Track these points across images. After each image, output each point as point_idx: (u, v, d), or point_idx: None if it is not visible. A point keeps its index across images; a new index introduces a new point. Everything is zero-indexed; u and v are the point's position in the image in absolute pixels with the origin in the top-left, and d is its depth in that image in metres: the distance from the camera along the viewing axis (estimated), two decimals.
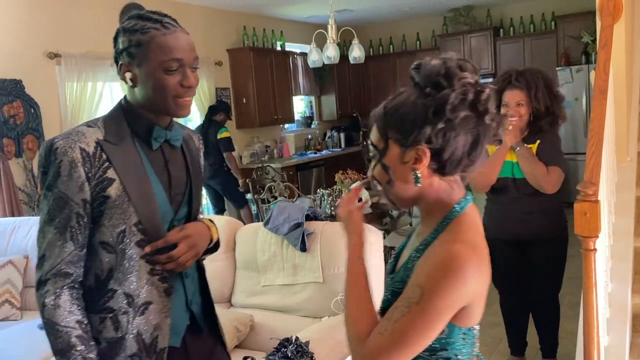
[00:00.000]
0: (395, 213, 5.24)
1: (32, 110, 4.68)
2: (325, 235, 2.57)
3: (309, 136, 8.17)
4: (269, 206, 4.32)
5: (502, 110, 2.75)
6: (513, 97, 2.68)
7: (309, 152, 7.85)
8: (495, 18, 8.01)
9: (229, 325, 2.42)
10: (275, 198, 4.12)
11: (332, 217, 4.30)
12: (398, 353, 0.95)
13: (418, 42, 8.59)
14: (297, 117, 8.10)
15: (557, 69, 6.91)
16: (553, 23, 7.50)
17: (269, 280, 2.70)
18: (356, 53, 4.63)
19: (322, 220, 2.68)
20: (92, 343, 1.27)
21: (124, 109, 1.36)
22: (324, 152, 7.94)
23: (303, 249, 2.55)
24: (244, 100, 6.70)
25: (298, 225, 2.58)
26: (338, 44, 4.83)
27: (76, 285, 1.27)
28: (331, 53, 4.44)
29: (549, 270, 2.84)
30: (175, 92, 1.30)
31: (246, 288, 2.77)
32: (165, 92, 1.29)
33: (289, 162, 7.00)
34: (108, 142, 1.29)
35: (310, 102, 8.61)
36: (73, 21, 5.01)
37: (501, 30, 7.95)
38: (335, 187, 4.36)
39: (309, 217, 2.65)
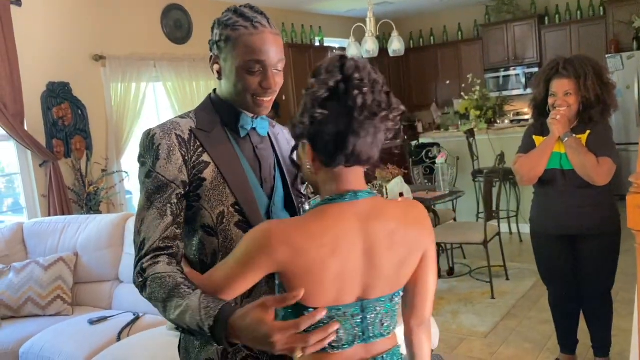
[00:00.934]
0: (440, 207, 5.17)
1: (80, 112, 4.82)
2: None
3: None
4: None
5: (550, 100, 2.65)
6: (561, 86, 2.58)
7: None
8: (540, 5, 7.76)
9: None
10: (315, 194, 4.11)
11: None
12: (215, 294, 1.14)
13: (460, 33, 8.42)
14: None
15: (606, 56, 6.64)
16: (601, 8, 7.21)
17: None
18: (396, 46, 4.55)
19: None
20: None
21: (212, 101, 1.41)
22: None
23: None
24: (284, 97, 6.72)
25: None
26: (377, 37, 4.77)
27: (174, 257, 1.25)
28: (370, 47, 4.38)
29: (601, 266, 2.73)
30: (254, 92, 1.33)
31: None
32: (244, 90, 1.32)
33: None
34: (200, 130, 1.34)
35: None
36: (117, 25, 5.13)
37: (546, 18, 7.69)
38: (375, 182, 4.32)
39: None
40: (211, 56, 1.36)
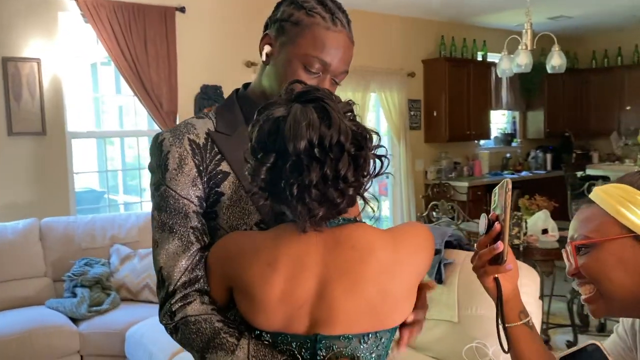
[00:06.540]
0: None
1: None
2: (465, 267, 2.20)
3: (508, 155, 7.47)
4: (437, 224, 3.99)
5: None
6: None
7: (505, 172, 7.17)
8: None
9: None
10: (445, 219, 3.77)
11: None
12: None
13: None
14: (495, 133, 7.48)
15: None
16: None
17: None
18: (555, 61, 4.00)
19: (466, 250, 2.31)
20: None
21: (239, 96, 1.22)
22: (523, 173, 7.17)
23: (439, 280, 2.22)
24: (435, 114, 6.40)
25: (436, 252, 2.25)
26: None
27: (204, 293, 1.09)
28: (522, 60, 3.90)
29: None
30: None
31: None
32: None
33: (479, 181, 6.47)
34: (219, 133, 1.14)
35: (514, 117, 7.88)
36: None
37: None
38: (514, 213, 3.82)
39: (451, 245, 2.30)
40: (266, 34, 1.15)
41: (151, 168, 1.14)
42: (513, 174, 7.10)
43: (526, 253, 3.68)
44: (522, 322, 1.05)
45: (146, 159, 4.98)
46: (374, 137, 1.00)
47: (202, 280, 1.08)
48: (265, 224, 1.11)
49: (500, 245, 0.98)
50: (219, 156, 1.12)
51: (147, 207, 5.03)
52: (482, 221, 1.02)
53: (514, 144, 7.71)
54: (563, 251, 1.06)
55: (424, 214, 4.00)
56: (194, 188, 1.09)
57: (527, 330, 1.06)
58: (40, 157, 4.14)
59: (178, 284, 1.06)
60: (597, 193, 1.02)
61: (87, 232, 3.79)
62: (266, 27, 1.17)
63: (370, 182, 1.04)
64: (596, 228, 1.00)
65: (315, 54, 1.09)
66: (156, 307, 3.45)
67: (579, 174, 5.86)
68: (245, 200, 1.11)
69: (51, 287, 3.64)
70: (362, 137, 0.96)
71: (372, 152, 0.99)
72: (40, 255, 3.66)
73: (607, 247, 0.98)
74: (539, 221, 3.89)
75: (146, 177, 5.15)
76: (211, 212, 1.11)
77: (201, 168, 1.10)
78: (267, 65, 1.16)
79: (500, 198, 1.00)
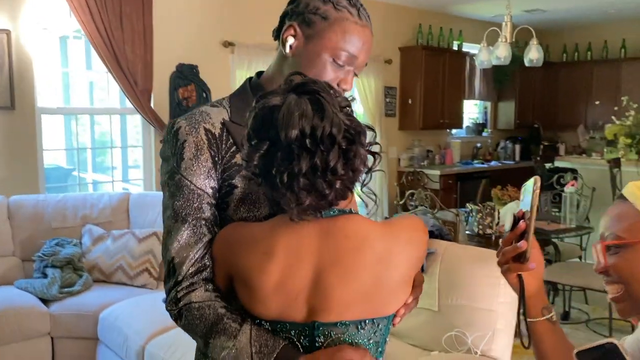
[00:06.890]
0: (566, 242, 4.57)
1: (204, 95, 4.98)
2: (447, 258, 2.24)
3: (479, 144, 7.60)
4: (414, 213, 4.04)
5: None
6: None
7: (475, 161, 7.29)
8: None
9: None
10: (416, 207, 3.82)
11: (480, 236, 3.86)
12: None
13: (623, 50, 7.46)
14: (467, 123, 7.58)
15: None
16: None
17: None
18: (533, 55, 4.07)
19: (447, 240, 2.34)
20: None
21: (252, 85, 1.21)
22: (492, 163, 7.31)
23: (420, 269, 2.25)
24: (410, 101, 6.44)
25: None
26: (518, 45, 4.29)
27: (210, 281, 1.10)
28: (502, 53, 3.94)
29: None
30: None
31: None
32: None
33: (450, 170, 6.57)
34: (234, 123, 1.13)
35: (485, 108, 8.00)
36: (248, 13, 5.22)
37: None
38: (487, 204, 3.90)
39: (432, 234, 2.33)
40: (289, 25, 1.14)
41: (164, 155, 1.13)
42: (483, 163, 7.23)
43: (498, 243, 3.76)
44: (544, 317, 1.04)
45: (118, 137, 4.92)
46: (369, 133, 1.02)
47: (208, 269, 1.10)
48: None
49: (523, 244, 0.98)
50: (234, 148, 1.12)
51: (119, 187, 4.93)
52: (509, 218, 1.04)
53: (484, 134, 7.84)
54: (593, 247, 1.04)
55: (401, 202, 4.04)
56: (209, 179, 1.10)
57: (550, 326, 1.04)
58: (9, 133, 4.00)
59: (187, 273, 1.08)
60: (632, 190, 0.98)
61: (58, 211, 3.69)
62: (284, 17, 1.17)
63: (370, 177, 1.06)
64: (628, 227, 0.97)
65: (346, 47, 1.12)
66: (130, 289, 3.42)
67: (548, 165, 5.99)
68: (256, 194, 1.11)
69: (20, 267, 3.54)
70: (355, 132, 0.97)
71: (366, 147, 1.00)
72: (8, 234, 3.55)
73: (639, 248, 0.95)
74: (510, 211, 3.98)
75: (117, 156, 5.04)
76: (222, 203, 1.12)
77: (216, 159, 1.10)
78: (290, 57, 1.15)
79: (528, 195, 0.99)
